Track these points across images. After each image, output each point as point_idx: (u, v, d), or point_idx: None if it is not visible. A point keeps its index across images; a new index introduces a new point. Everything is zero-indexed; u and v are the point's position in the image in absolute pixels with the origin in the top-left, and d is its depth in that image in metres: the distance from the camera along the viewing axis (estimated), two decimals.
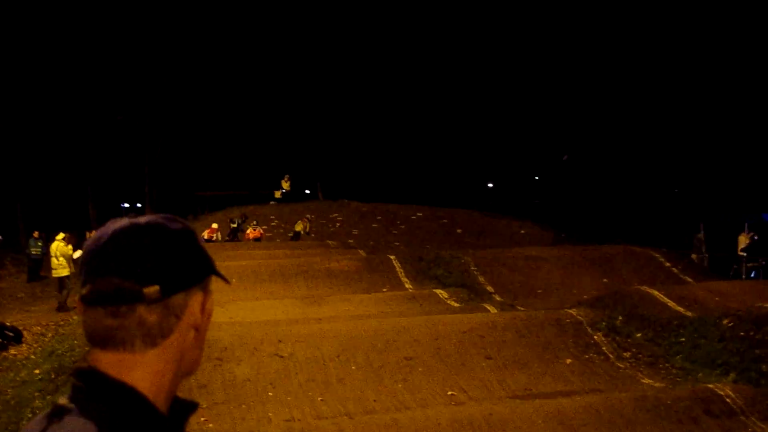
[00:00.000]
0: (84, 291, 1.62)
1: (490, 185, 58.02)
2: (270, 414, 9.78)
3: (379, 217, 31.32)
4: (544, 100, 49.55)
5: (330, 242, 27.44)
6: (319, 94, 45.17)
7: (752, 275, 25.28)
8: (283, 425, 9.25)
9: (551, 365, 11.64)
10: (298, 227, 29.35)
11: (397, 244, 28.23)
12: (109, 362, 1.60)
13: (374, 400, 10.22)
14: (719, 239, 29.22)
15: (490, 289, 19.76)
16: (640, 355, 12.33)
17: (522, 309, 16.09)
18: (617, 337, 12.83)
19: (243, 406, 9.95)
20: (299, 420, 9.45)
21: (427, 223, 31.85)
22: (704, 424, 9.12)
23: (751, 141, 42.99)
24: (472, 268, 21.38)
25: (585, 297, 18.19)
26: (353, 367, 11.08)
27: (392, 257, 21.92)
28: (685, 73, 46.22)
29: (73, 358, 13.05)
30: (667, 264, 22.56)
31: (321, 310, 15.38)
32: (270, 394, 10.27)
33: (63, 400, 1.58)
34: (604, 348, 12.37)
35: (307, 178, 44.43)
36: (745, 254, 25.63)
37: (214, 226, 30.92)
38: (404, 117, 48.68)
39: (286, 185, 36.83)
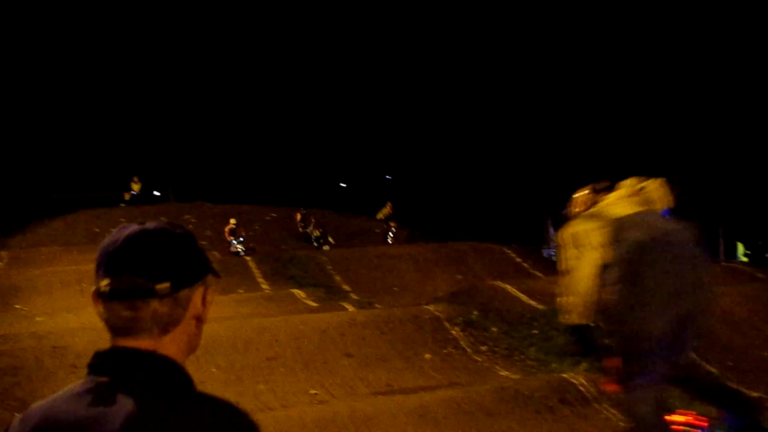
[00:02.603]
0: (102, 287, 1.97)
1: (343, 185, 58.24)
2: None
3: (233, 220, 31.03)
4: (392, 99, 50.08)
5: None
6: (166, 91, 44.43)
7: None
8: None
9: (411, 361, 11.81)
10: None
11: (252, 245, 28.02)
12: (132, 346, 1.97)
13: (236, 402, 10.11)
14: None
15: (346, 287, 19.87)
16: (497, 348, 12.66)
17: (380, 307, 16.26)
18: (474, 332, 13.12)
19: None
20: None
21: (281, 224, 31.73)
22: (560, 413, 9.45)
23: (596, 135, 44.42)
24: (328, 267, 21.45)
25: (440, 293, 18.51)
26: (213, 369, 10.97)
27: (248, 258, 21.81)
28: (527, 73, 47.44)
29: None
30: (518, 259, 23.19)
31: None
32: None
33: (92, 378, 1.95)
34: (461, 342, 12.64)
35: (157, 180, 43.56)
36: None
37: (232, 221, 29.25)
38: (254, 116, 48.33)
39: (135, 187, 35.93)
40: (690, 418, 7.11)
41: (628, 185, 6.54)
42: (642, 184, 6.47)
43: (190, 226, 30.70)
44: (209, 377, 10.79)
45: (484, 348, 12.57)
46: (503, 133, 47.98)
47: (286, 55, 48.71)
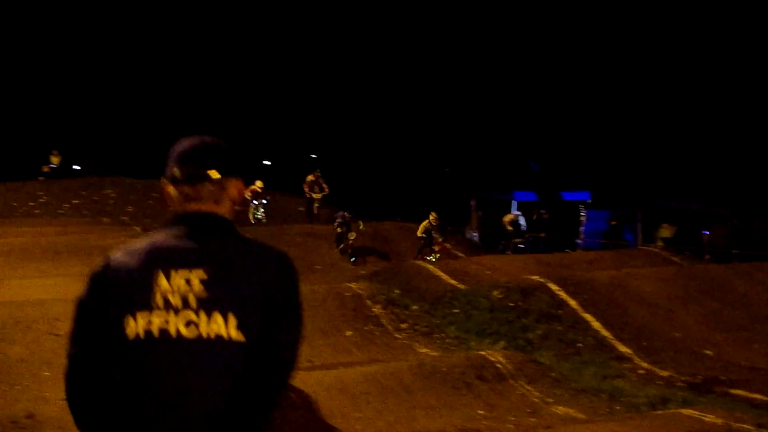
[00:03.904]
0: (176, 174, 3.01)
1: (268, 163, 57.84)
2: (46, 393, 9.50)
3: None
4: (321, 77, 49.92)
5: (104, 219, 26.66)
6: (85, 65, 43.58)
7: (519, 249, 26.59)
8: (61, 404, 8.95)
9: (332, 338, 11.93)
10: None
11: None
12: (198, 209, 3.00)
13: None
14: (489, 216, 30.60)
15: None
16: (417, 326, 12.84)
17: (301, 284, 16.29)
18: (395, 309, 13.29)
19: (17, 386, 9.63)
20: None
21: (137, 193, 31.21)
22: (477, 389, 9.67)
23: (515, 124, 44.79)
24: None
25: (363, 272, 18.64)
26: None
27: (105, 219, 21.59)
28: (445, 60, 47.58)
29: None
30: (441, 239, 23.43)
31: None
32: (46, 373, 10.00)
33: (175, 228, 2.99)
34: (382, 320, 12.80)
35: (77, 153, 42.72)
36: (512, 229, 26.92)
37: (259, 184, 26.92)
38: (176, 90, 47.57)
39: (55, 160, 35.19)
40: None
41: None
42: None
43: (111, 202, 30.54)
44: None
45: (404, 326, 12.75)
46: (428, 116, 48.15)
47: (202, 30, 48.13)
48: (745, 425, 8.73)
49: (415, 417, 8.70)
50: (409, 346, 11.93)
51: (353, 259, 22.77)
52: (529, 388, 9.96)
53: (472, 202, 31.12)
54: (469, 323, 13.23)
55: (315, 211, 26.39)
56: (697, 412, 9.20)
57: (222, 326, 2.81)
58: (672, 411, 9.31)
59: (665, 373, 11.95)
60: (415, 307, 13.66)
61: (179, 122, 46.70)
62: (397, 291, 14.31)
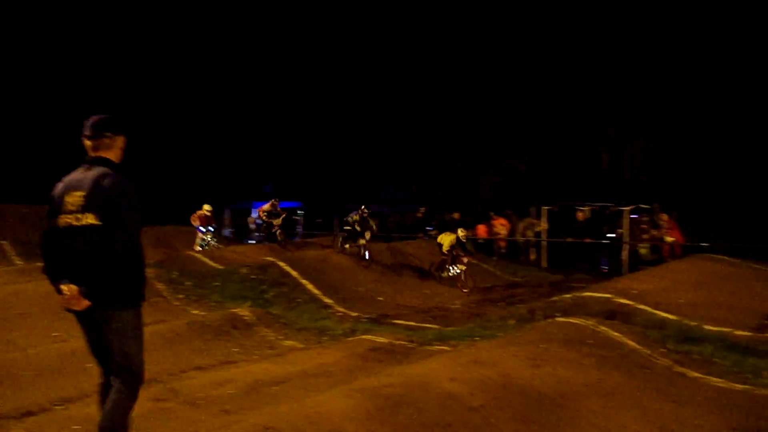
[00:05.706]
0: (87, 134, 4.08)
1: None
2: None
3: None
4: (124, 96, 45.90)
5: None
6: None
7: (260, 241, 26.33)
8: None
9: None
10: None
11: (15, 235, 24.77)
12: (98, 155, 4.11)
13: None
14: (239, 218, 30.13)
15: None
16: (190, 296, 12.37)
17: None
18: (174, 286, 12.74)
19: None
20: None
21: (34, 218, 28.25)
22: (232, 335, 9.48)
23: (254, 156, 43.21)
24: None
25: (152, 261, 17.73)
26: None
27: (4, 242, 19.47)
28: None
29: None
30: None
31: None
32: None
33: (84, 167, 4.10)
34: (165, 294, 12.21)
35: None
36: (254, 226, 26.74)
37: (207, 208, 19.44)
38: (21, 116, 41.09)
39: None
40: None
41: None
42: None
43: None
44: None
45: (181, 296, 12.24)
46: (197, 148, 45.11)
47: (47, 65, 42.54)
48: (401, 341, 9.18)
49: (191, 357, 8.36)
50: (184, 310, 11.45)
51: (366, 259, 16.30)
52: (267, 331, 9.87)
53: (226, 210, 30.42)
54: (226, 291, 12.94)
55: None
56: (373, 336, 9.56)
57: (91, 219, 3.94)
58: (358, 337, 9.59)
59: (354, 314, 12.28)
60: (188, 283, 13.15)
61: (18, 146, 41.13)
62: (175, 273, 13.70)
